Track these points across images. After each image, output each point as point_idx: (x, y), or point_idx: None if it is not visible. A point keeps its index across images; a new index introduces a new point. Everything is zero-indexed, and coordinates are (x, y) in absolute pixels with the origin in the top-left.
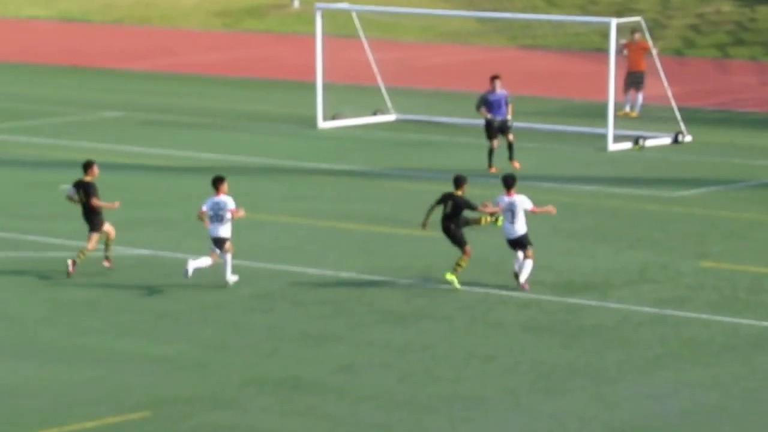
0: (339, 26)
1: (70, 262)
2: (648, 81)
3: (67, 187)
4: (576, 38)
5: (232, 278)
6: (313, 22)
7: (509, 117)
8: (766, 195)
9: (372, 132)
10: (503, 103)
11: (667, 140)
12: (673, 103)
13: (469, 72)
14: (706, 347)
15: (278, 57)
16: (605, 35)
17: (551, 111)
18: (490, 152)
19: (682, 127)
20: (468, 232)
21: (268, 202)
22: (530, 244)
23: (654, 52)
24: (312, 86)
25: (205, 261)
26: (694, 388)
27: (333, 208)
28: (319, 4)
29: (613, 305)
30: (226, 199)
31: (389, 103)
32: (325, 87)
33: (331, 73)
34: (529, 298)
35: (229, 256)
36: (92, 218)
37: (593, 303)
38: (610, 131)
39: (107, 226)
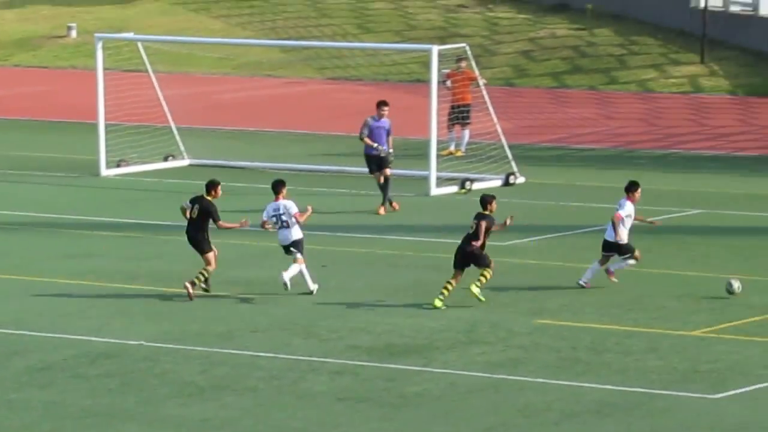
0: (123, 59)
1: (188, 284)
2: (475, 115)
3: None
4: (393, 68)
5: (312, 286)
6: (93, 54)
7: (390, 150)
8: None
9: (163, 179)
10: (385, 133)
11: (497, 182)
12: (504, 140)
13: (274, 108)
14: (544, 415)
15: (54, 95)
16: (426, 64)
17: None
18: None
19: (514, 167)
20: (271, 296)
21: (44, 262)
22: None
23: (481, 82)
24: (93, 128)
25: (295, 269)
26: None
27: (119, 267)
28: (99, 35)
29: (438, 371)
30: (287, 204)
31: (182, 147)
32: (109, 129)
33: (115, 113)
34: (344, 365)
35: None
36: (203, 237)
37: (416, 368)
38: (433, 173)
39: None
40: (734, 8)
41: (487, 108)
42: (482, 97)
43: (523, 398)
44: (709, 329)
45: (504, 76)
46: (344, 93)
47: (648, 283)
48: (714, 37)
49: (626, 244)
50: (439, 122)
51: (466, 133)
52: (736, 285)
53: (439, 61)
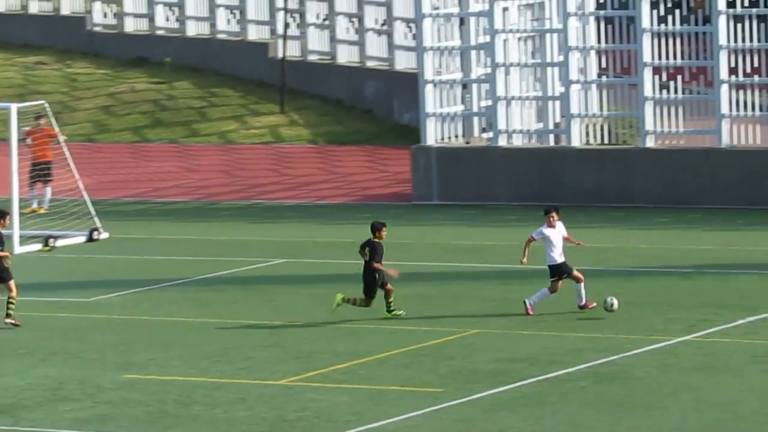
0: None
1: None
2: (56, 172)
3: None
4: None
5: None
6: None
7: None
8: (194, 295)
9: None
10: None
11: (81, 239)
12: (86, 196)
13: None
14: None
15: None
16: (6, 122)
17: None
18: None
19: (98, 222)
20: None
21: None
22: None
23: (62, 139)
24: None
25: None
26: None
27: None
28: None
29: (25, 429)
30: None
31: None
32: None
33: None
34: None
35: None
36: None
37: (4, 428)
38: (16, 231)
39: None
40: (312, 57)
41: (69, 164)
42: (63, 153)
43: None
44: (296, 378)
45: (84, 132)
46: None
47: (235, 335)
48: (294, 87)
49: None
50: (20, 180)
51: (48, 190)
52: (615, 302)
53: (19, 119)
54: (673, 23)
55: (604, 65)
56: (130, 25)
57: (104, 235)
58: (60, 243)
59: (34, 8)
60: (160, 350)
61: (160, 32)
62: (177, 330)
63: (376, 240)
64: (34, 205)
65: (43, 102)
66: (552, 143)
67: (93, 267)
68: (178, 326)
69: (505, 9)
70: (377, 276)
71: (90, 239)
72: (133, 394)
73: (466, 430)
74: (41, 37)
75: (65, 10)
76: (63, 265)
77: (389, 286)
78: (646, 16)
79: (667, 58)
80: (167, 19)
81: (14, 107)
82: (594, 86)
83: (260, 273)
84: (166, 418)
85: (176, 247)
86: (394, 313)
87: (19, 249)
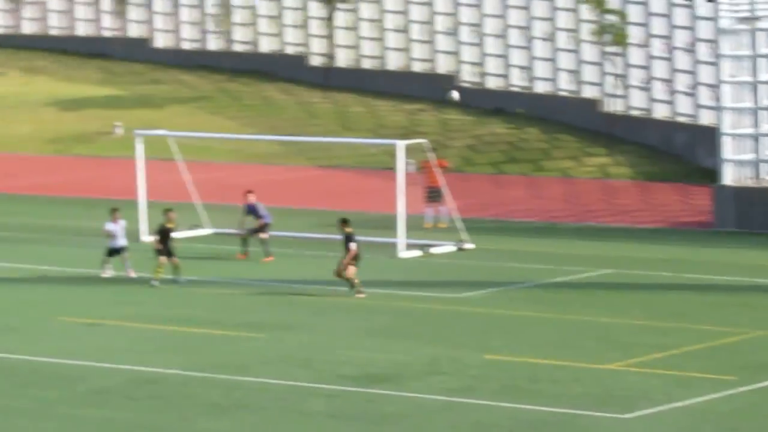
0: (158, 151)
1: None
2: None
3: None
4: (368, 158)
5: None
6: (134, 147)
7: (257, 225)
8: (538, 295)
9: (191, 245)
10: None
11: (451, 248)
12: (457, 215)
13: (274, 189)
14: (492, 430)
15: (106, 179)
16: (393, 155)
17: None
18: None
19: (465, 235)
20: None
21: (99, 308)
22: None
23: (441, 170)
24: (135, 204)
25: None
26: None
27: (158, 313)
28: (138, 131)
29: (408, 395)
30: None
31: (204, 218)
32: (148, 205)
33: (151, 193)
34: (335, 390)
35: None
36: None
37: (390, 393)
38: (400, 240)
39: None
40: (633, 112)
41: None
42: (444, 180)
43: (475, 417)
44: (620, 363)
45: (455, 166)
46: (329, 178)
47: (570, 328)
48: (618, 135)
49: None
50: (409, 200)
51: (443, 209)
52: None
53: (407, 153)
54: None
55: None
56: (491, 82)
57: (470, 246)
58: (435, 251)
59: (416, 67)
60: (512, 337)
61: (514, 89)
62: (524, 322)
63: None
64: (428, 221)
65: (423, 140)
66: None
67: (461, 270)
68: (525, 319)
69: None
70: None
71: (459, 249)
72: (491, 372)
73: (758, 411)
74: (420, 90)
75: (440, 69)
76: (438, 268)
77: None
78: None
79: None
80: (521, 78)
81: (400, 144)
82: None
83: (591, 280)
84: (516, 391)
85: (524, 257)
86: None
87: (402, 254)
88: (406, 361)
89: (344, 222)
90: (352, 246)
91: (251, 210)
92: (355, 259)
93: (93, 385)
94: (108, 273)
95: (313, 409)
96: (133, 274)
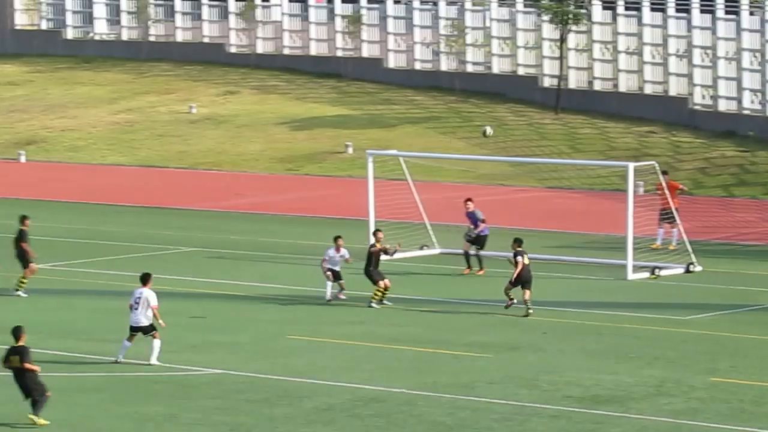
0: (388, 170)
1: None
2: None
3: None
4: (598, 180)
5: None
6: (365, 166)
7: (476, 231)
8: (766, 318)
9: (419, 264)
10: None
11: (680, 270)
12: (685, 237)
13: (504, 209)
14: None
15: (335, 197)
16: (624, 177)
17: (576, 244)
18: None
19: (693, 258)
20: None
21: (326, 327)
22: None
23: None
24: (365, 224)
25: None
26: None
27: (383, 332)
28: (370, 151)
29: (633, 416)
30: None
31: (434, 238)
32: (377, 224)
33: (381, 212)
34: (560, 411)
35: None
36: None
37: (615, 414)
38: (629, 262)
39: None
40: None
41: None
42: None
43: None
44: None
45: (688, 189)
46: (559, 199)
47: None
48: None
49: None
50: (638, 222)
51: (675, 231)
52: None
53: (637, 175)
54: None
55: None
56: (723, 105)
57: (698, 268)
58: (663, 273)
59: (648, 89)
60: (738, 360)
61: (746, 111)
62: (751, 345)
63: None
64: (658, 242)
65: (653, 162)
66: None
67: (688, 292)
68: (753, 342)
69: None
70: None
71: (687, 271)
72: (718, 394)
73: None
74: (651, 112)
75: (672, 91)
76: (665, 290)
77: None
78: None
79: None
80: (752, 102)
81: (631, 166)
82: None
83: None
84: (743, 414)
85: (753, 280)
86: None
87: (631, 276)
88: (632, 382)
89: (516, 242)
90: (519, 259)
91: (469, 217)
92: (519, 277)
93: (319, 403)
94: (330, 295)
95: (536, 429)
96: (342, 296)
